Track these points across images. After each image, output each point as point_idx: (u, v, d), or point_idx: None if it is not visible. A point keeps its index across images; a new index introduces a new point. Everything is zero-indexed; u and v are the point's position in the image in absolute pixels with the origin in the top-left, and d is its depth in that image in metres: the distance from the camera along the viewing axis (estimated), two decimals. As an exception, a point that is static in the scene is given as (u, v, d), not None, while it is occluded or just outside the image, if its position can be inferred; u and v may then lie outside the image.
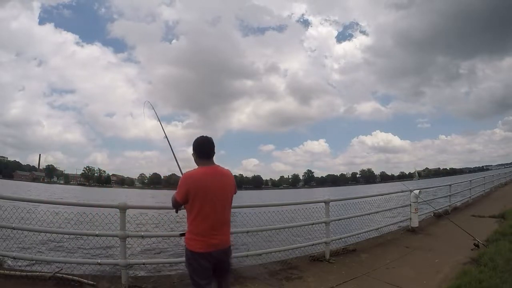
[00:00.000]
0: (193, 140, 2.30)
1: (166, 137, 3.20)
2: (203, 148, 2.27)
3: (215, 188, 2.17)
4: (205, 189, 2.14)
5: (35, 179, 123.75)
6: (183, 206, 2.29)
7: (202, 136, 2.33)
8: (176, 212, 2.42)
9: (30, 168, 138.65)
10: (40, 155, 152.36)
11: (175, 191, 2.27)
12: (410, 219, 6.51)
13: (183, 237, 2.29)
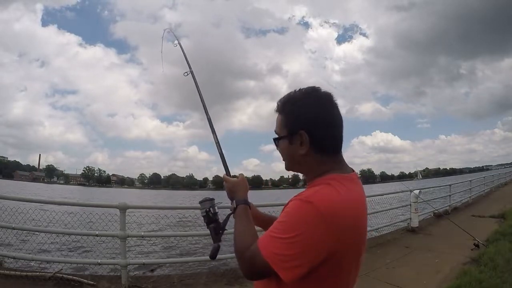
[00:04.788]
0: (296, 105, 0.89)
1: (192, 73, 1.52)
2: (339, 126, 0.91)
3: (365, 237, 0.91)
4: (358, 245, 0.85)
5: (35, 179, 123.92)
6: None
7: (315, 89, 0.90)
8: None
9: (30, 168, 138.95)
10: (40, 155, 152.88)
11: (266, 239, 0.81)
12: (410, 219, 6.52)
13: None
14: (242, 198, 1.01)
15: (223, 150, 1.26)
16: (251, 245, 0.83)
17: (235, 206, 1.00)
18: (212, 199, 1.13)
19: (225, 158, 1.25)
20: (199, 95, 1.46)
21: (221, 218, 1.12)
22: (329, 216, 0.75)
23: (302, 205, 0.77)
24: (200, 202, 1.12)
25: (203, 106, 1.42)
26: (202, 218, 1.12)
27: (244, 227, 0.92)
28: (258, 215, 1.16)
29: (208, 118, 1.37)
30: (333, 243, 0.76)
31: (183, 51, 1.66)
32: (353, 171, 0.92)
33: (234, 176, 1.11)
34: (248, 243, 0.84)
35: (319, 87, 0.91)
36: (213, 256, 1.07)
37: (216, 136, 1.30)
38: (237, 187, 1.04)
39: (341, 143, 0.90)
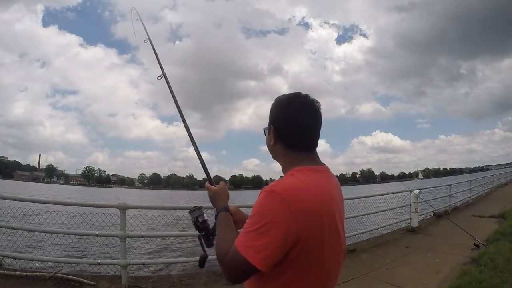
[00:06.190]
0: (274, 104, 1.03)
1: (164, 75, 1.48)
2: (307, 127, 0.98)
3: (338, 225, 0.95)
4: (328, 230, 0.89)
5: (35, 179, 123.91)
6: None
7: (298, 95, 1.00)
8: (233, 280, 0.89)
9: (30, 168, 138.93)
10: (40, 155, 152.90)
11: (228, 232, 0.97)
12: (410, 219, 6.51)
13: None
14: (223, 205, 1.07)
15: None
16: (230, 248, 0.87)
17: (216, 214, 1.06)
18: (200, 208, 1.16)
19: (207, 166, 1.29)
20: (174, 99, 1.43)
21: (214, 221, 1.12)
22: (291, 200, 0.82)
23: (267, 195, 0.85)
24: (189, 212, 1.16)
25: (179, 111, 1.40)
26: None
27: (225, 233, 0.97)
28: (243, 218, 1.16)
29: (185, 126, 1.36)
30: (299, 226, 0.82)
31: (154, 50, 1.59)
32: (324, 165, 1.01)
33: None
34: (228, 247, 0.88)
35: (304, 95, 1.00)
36: (201, 265, 1.12)
37: (196, 145, 1.31)
38: (218, 195, 1.11)
39: (310, 142, 0.99)
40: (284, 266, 0.84)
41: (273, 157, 1.06)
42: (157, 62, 1.52)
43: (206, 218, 1.15)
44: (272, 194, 0.84)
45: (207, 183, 1.18)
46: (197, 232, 1.14)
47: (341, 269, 0.99)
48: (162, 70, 1.49)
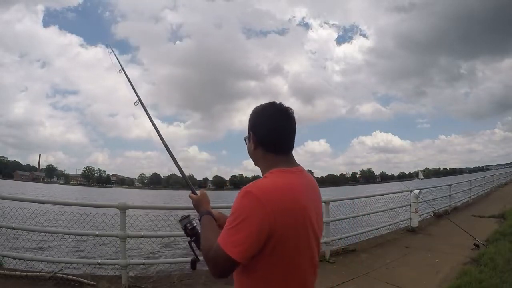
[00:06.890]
0: (252, 114, 1.13)
1: (140, 100, 1.61)
2: (282, 132, 1.08)
3: (312, 220, 1.03)
4: (302, 225, 0.99)
5: (35, 179, 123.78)
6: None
7: (273, 104, 1.11)
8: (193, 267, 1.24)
9: (30, 168, 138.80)
10: (40, 155, 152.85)
11: (208, 231, 1.07)
12: (410, 219, 6.52)
13: None
14: (205, 210, 1.20)
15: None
16: (213, 246, 0.96)
17: (199, 218, 1.18)
18: (188, 216, 1.26)
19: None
20: (152, 124, 1.52)
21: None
22: (265, 200, 0.93)
23: (244, 195, 0.95)
24: (179, 221, 1.26)
25: (158, 134, 1.49)
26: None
27: (207, 233, 1.07)
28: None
29: (165, 145, 1.45)
30: (272, 224, 0.92)
31: (128, 79, 1.69)
32: (301, 167, 1.10)
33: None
34: (211, 245, 0.97)
35: (278, 103, 1.10)
36: (192, 267, 1.23)
37: (178, 163, 1.45)
38: (200, 202, 1.24)
39: (285, 146, 1.09)
40: (260, 261, 0.95)
41: (254, 164, 1.14)
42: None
43: (195, 224, 1.24)
44: (248, 195, 0.94)
45: (190, 194, 1.30)
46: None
47: (318, 266, 1.10)
48: (138, 96, 1.60)
